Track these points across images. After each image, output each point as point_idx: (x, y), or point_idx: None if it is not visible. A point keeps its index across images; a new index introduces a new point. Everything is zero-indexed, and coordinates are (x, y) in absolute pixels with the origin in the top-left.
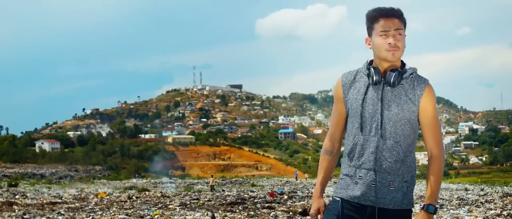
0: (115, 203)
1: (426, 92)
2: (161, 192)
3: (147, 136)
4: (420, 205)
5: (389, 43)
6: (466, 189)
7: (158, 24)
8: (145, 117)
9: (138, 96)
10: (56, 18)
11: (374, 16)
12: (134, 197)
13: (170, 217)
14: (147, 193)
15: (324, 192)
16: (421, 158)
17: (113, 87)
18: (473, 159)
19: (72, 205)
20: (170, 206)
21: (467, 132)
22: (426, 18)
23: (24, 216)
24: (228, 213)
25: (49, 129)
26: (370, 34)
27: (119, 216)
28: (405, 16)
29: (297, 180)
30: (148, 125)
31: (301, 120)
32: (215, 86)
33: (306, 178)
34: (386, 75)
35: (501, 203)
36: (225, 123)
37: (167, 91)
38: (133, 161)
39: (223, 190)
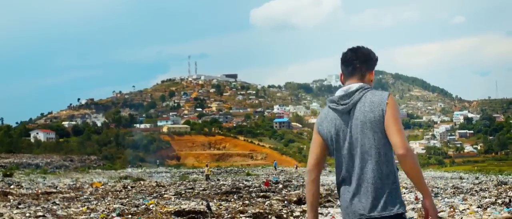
0: (110, 193)
1: None
2: (156, 181)
3: (142, 126)
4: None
5: None
6: (461, 178)
7: (153, 14)
8: (140, 106)
9: (133, 86)
10: (51, 9)
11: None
12: (129, 187)
13: (165, 206)
14: (142, 182)
15: None
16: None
17: (108, 78)
18: (468, 148)
19: (67, 195)
20: (165, 195)
21: (462, 120)
22: (420, 7)
23: (19, 206)
24: (223, 202)
25: (44, 119)
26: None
27: (114, 205)
28: (401, 5)
29: (276, 169)
30: (143, 115)
31: (296, 109)
32: (210, 76)
33: (296, 167)
34: None
35: (496, 191)
36: (220, 113)
37: (162, 81)
38: (128, 150)
39: (218, 179)
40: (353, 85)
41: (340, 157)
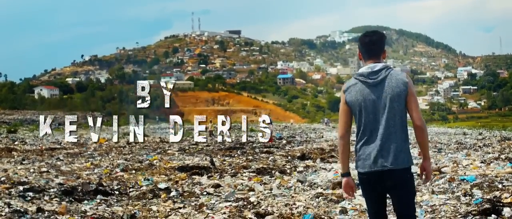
0: (114, 148)
1: None
2: (160, 137)
3: (145, 82)
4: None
5: None
6: (464, 133)
7: None
8: (143, 63)
9: (137, 43)
10: None
11: None
12: (133, 143)
13: (169, 162)
14: (146, 138)
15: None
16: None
17: (112, 34)
18: (471, 104)
19: (71, 151)
20: (169, 151)
21: (465, 76)
22: None
23: (23, 162)
24: (227, 158)
25: (47, 75)
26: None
27: (118, 161)
28: None
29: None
30: (147, 71)
31: (300, 65)
32: (213, 32)
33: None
34: None
35: (499, 147)
36: (224, 69)
37: (166, 37)
38: (131, 107)
39: (222, 135)
40: (378, 64)
41: (364, 120)
